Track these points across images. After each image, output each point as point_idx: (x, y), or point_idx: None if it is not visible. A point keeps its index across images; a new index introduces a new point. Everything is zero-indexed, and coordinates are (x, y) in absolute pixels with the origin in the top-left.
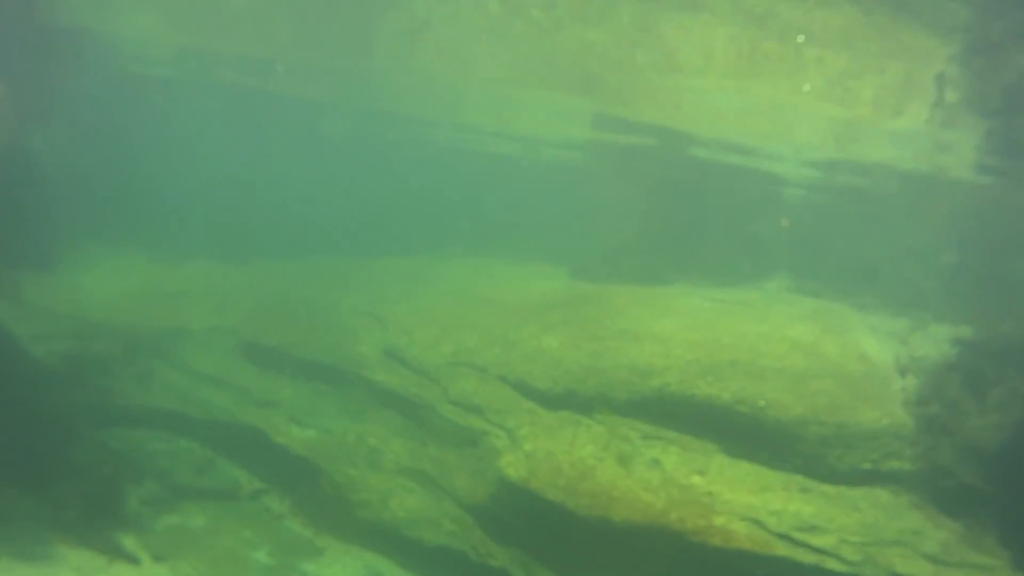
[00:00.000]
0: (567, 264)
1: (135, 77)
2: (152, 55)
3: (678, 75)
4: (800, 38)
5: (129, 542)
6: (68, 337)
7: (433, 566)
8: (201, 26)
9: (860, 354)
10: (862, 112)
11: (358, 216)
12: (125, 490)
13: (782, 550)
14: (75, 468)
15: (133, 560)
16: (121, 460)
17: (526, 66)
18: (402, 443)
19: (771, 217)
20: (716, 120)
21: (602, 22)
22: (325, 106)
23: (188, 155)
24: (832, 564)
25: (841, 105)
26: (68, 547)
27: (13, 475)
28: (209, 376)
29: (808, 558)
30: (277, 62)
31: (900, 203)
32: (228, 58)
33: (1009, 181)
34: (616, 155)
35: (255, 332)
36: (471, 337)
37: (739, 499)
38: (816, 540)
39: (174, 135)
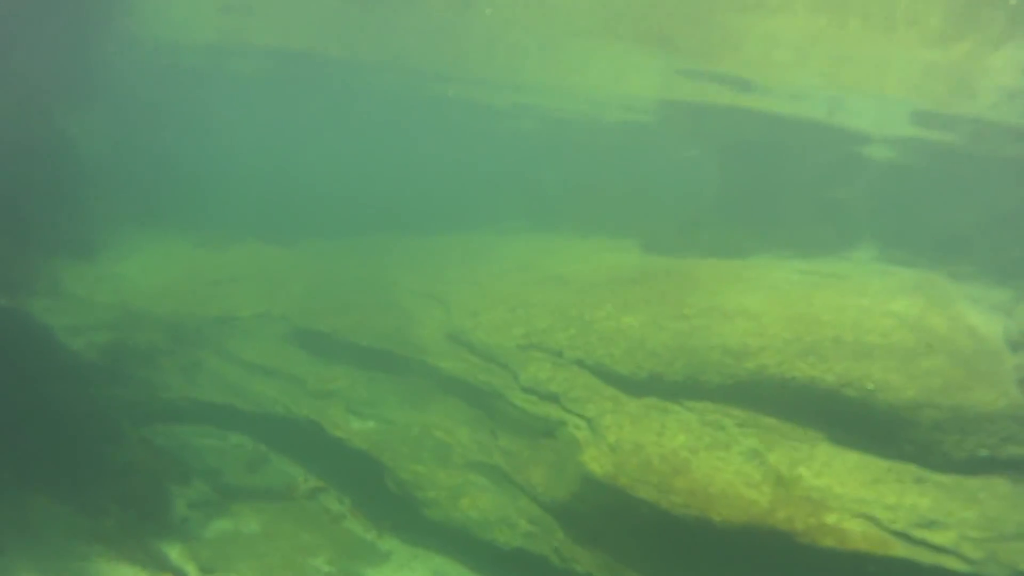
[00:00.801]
0: (637, 237)
1: (174, 53)
2: (192, 27)
3: (759, 14)
4: None
5: (175, 552)
6: (108, 328)
7: (510, 571)
8: None
9: (969, 329)
10: (963, 61)
11: (412, 191)
12: (171, 492)
13: (900, 550)
14: (115, 469)
15: (179, 574)
16: (166, 459)
17: (601, 13)
18: (471, 435)
19: (856, 182)
20: (798, 68)
21: None
22: (374, 68)
23: (231, 134)
24: (953, 563)
25: (940, 51)
26: (106, 561)
27: (45, 480)
28: (259, 366)
29: (927, 558)
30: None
31: (995, 166)
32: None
33: None
34: (689, 116)
35: (307, 317)
36: (542, 318)
37: (850, 493)
38: (936, 537)
39: (217, 113)
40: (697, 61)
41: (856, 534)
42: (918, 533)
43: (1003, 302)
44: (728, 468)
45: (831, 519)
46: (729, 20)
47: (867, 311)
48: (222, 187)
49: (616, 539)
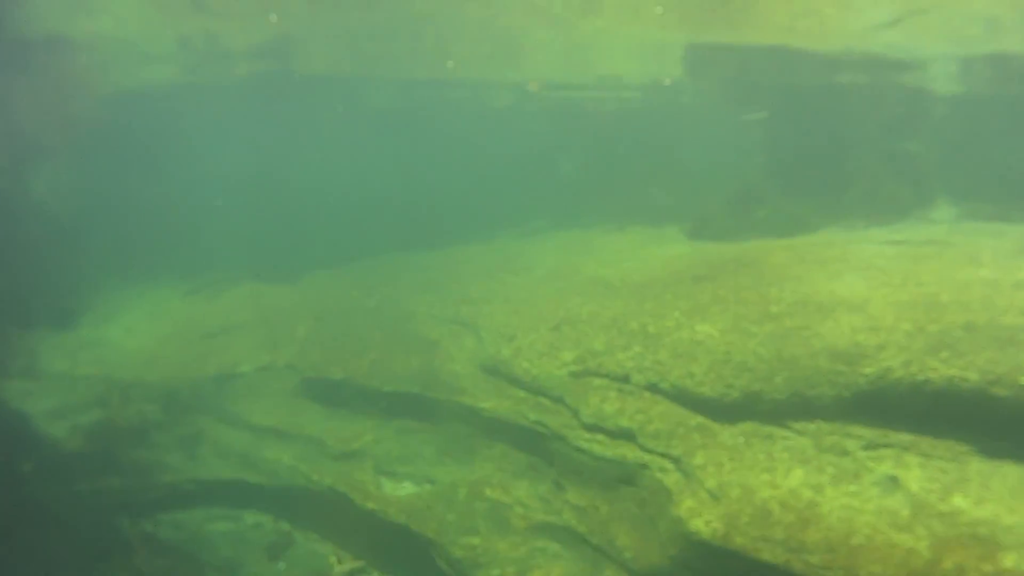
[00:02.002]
0: (680, 222)
1: (138, 86)
2: (151, 52)
3: None
4: None
5: None
6: (95, 406)
7: None
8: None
9: None
10: None
11: (414, 202)
12: None
13: None
14: None
15: None
16: (174, 556)
17: None
18: (531, 489)
19: (924, 130)
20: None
21: None
22: (362, 79)
23: (209, 166)
24: None
25: None
26: None
27: None
28: (269, 428)
29: None
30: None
31: None
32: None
33: None
34: (726, 83)
35: (317, 364)
36: (596, 335)
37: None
38: None
39: (191, 147)
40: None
41: None
42: None
43: None
44: (866, 507)
45: (1010, 561)
46: None
47: (994, 284)
48: (209, 227)
49: None
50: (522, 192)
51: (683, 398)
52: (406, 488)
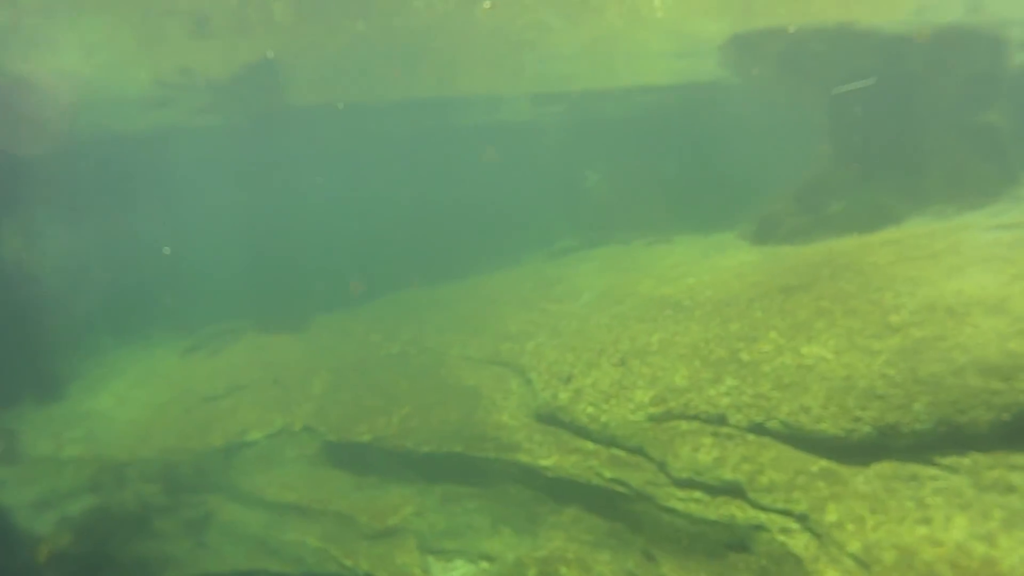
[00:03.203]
0: (731, 227)
1: (119, 128)
2: (129, 92)
3: None
4: None
5: None
6: (85, 492)
7: None
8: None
9: None
10: None
11: (430, 228)
12: None
13: None
14: None
15: None
16: None
17: None
18: (615, 564)
19: (1002, 99)
20: None
21: None
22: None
23: (199, 210)
24: None
25: None
26: None
27: None
28: (290, 505)
29: None
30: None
31: None
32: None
33: None
34: (778, 67)
35: (339, 425)
36: (675, 368)
37: None
38: None
39: (176, 189)
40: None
41: None
42: None
43: None
44: None
45: None
46: None
47: None
48: (205, 276)
49: None
50: (545, 209)
51: (798, 439)
52: (459, 569)
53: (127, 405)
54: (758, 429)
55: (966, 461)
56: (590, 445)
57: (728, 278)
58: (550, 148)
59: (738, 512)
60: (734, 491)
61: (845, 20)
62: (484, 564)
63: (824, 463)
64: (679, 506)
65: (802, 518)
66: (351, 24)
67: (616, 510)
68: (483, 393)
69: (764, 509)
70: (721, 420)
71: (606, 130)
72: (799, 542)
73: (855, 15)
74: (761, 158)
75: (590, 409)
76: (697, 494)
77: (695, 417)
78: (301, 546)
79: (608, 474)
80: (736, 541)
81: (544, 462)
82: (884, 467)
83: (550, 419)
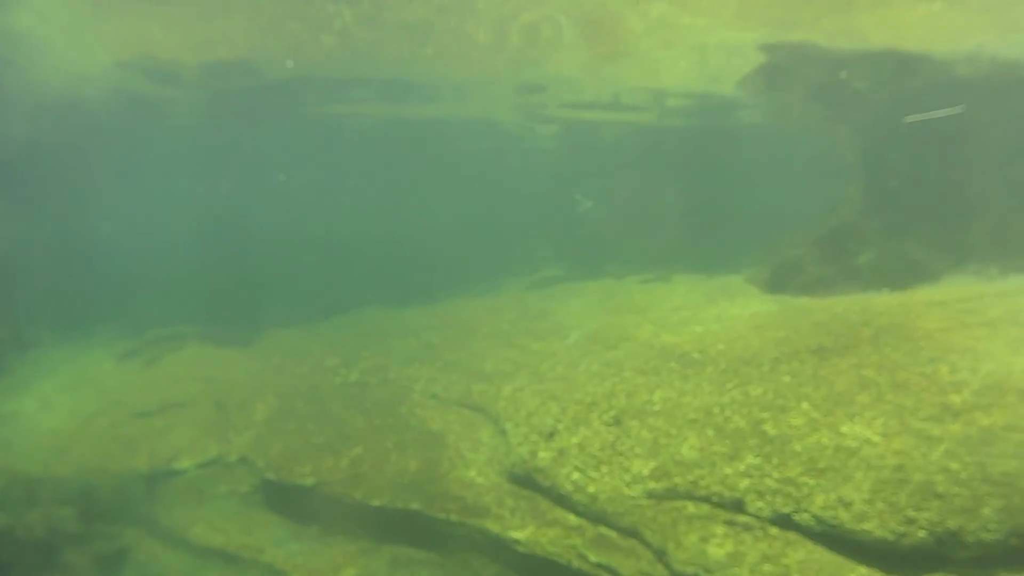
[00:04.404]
0: (738, 270)
1: (68, 100)
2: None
3: None
4: None
5: None
6: None
7: None
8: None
9: None
10: None
11: (401, 241)
12: None
13: None
14: None
15: None
16: None
17: None
18: None
19: None
20: None
21: None
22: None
23: (154, 200)
24: None
25: None
26: None
27: None
28: (216, 551)
29: None
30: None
31: None
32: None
33: None
34: (812, 93)
35: (280, 462)
36: (682, 435)
37: None
38: None
39: (130, 177)
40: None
41: None
42: None
43: None
44: None
45: None
46: None
47: None
48: (152, 272)
49: None
50: (529, 232)
51: (834, 538)
52: None
53: (50, 412)
54: (784, 522)
55: None
56: (573, 519)
57: (744, 331)
58: (540, 166)
59: None
60: None
61: (892, 46)
62: None
63: (865, 572)
64: None
65: None
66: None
67: None
68: (449, 441)
69: None
70: (738, 506)
71: (603, 151)
72: None
73: (906, 42)
74: (778, 194)
75: (576, 475)
76: None
77: (705, 499)
78: None
79: (593, 558)
80: None
81: (516, 534)
82: None
83: (526, 481)
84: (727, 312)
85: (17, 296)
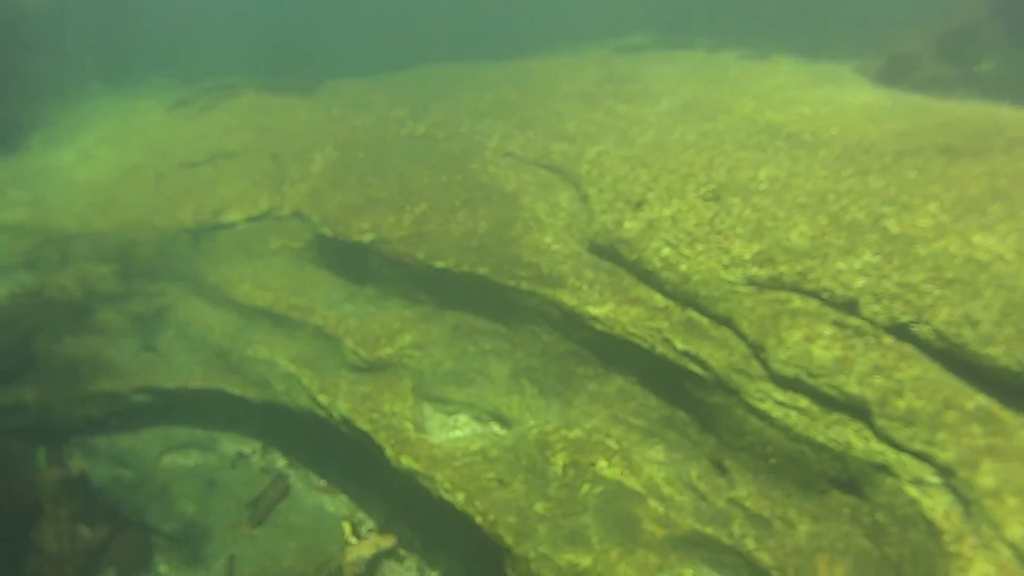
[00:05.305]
0: (844, 59)
1: None
2: None
3: None
4: None
5: None
6: (19, 268)
7: None
8: None
9: None
10: None
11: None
12: None
13: None
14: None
15: None
16: (106, 514)
17: None
18: (672, 468)
19: None
20: None
21: None
22: None
23: None
24: None
25: None
26: None
27: None
28: (263, 310)
29: None
30: None
31: None
32: None
33: None
34: None
35: (337, 216)
36: (791, 220)
37: None
38: None
39: None
40: None
41: None
42: None
43: None
44: None
45: None
46: None
47: None
48: (209, 20)
49: None
50: None
51: (955, 359)
52: (462, 428)
53: (91, 164)
54: (901, 332)
55: None
56: (659, 299)
57: (858, 119)
58: None
59: (857, 440)
60: (856, 410)
61: None
62: (495, 428)
63: (984, 401)
64: (775, 412)
65: (946, 471)
66: None
67: (683, 395)
68: (523, 203)
69: (894, 446)
70: (851, 308)
71: None
72: (937, 504)
73: None
74: None
75: (666, 251)
76: (803, 401)
77: (814, 294)
78: (269, 367)
79: (680, 345)
80: (846, 478)
81: (594, 310)
82: None
83: (608, 253)
84: (836, 98)
85: (63, 44)
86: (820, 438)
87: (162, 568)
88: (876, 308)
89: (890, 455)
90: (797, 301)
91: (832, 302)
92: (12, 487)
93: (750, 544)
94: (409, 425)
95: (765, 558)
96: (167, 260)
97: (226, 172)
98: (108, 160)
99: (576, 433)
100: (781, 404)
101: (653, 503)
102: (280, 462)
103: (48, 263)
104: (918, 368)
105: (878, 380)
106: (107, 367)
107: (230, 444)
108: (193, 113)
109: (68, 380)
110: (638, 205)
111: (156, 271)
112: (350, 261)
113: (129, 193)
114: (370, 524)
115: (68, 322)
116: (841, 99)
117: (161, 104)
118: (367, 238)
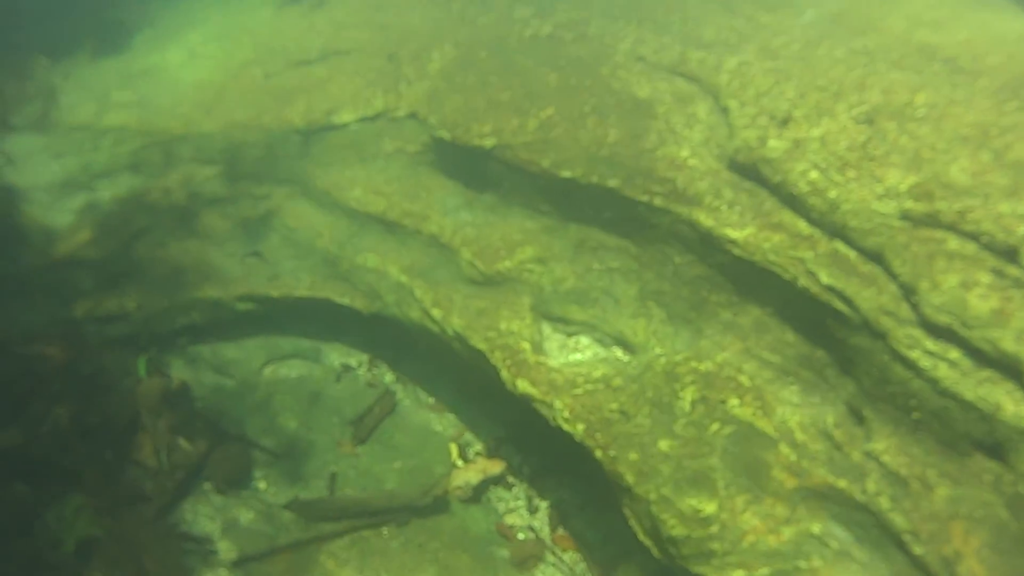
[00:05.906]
0: None
1: None
2: None
3: None
4: None
5: None
6: (123, 171)
7: None
8: None
9: None
10: None
11: None
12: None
13: None
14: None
15: None
16: (206, 431)
17: None
18: (807, 410)
19: None
20: None
21: None
22: None
23: None
24: None
25: None
26: None
27: None
28: (375, 216)
29: None
30: None
31: None
32: None
33: None
34: None
35: (455, 119)
36: (951, 153)
37: None
38: None
39: None
40: None
41: None
42: None
43: None
44: None
45: None
46: None
47: None
48: None
49: None
50: None
51: None
52: (583, 351)
53: (197, 64)
54: None
55: None
56: (804, 226)
57: (1020, 49)
58: None
59: (1008, 403)
60: (1010, 369)
61: None
62: (619, 353)
63: None
64: (923, 362)
65: None
66: None
67: (823, 334)
68: (657, 112)
69: None
70: (1012, 255)
71: None
72: None
73: None
74: None
75: (814, 174)
76: (954, 353)
77: (973, 237)
78: (380, 277)
79: (825, 278)
80: (991, 442)
81: (732, 232)
82: None
83: (750, 172)
84: (995, 26)
85: None
86: (969, 395)
87: (261, 484)
88: None
89: None
90: (954, 242)
91: (991, 247)
92: (110, 399)
93: (884, 503)
94: (527, 345)
95: (899, 520)
96: (275, 162)
97: (338, 71)
98: (214, 59)
99: (707, 366)
100: (931, 354)
101: (785, 449)
102: (387, 377)
103: (152, 166)
104: None
105: None
106: (211, 273)
107: (336, 356)
108: (304, 10)
109: (171, 287)
110: (784, 122)
111: (263, 174)
112: (469, 167)
113: (236, 93)
114: (478, 447)
115: (172, 227)
116: (1000, 27)
117: (271, 1)
118: (488, 142)
